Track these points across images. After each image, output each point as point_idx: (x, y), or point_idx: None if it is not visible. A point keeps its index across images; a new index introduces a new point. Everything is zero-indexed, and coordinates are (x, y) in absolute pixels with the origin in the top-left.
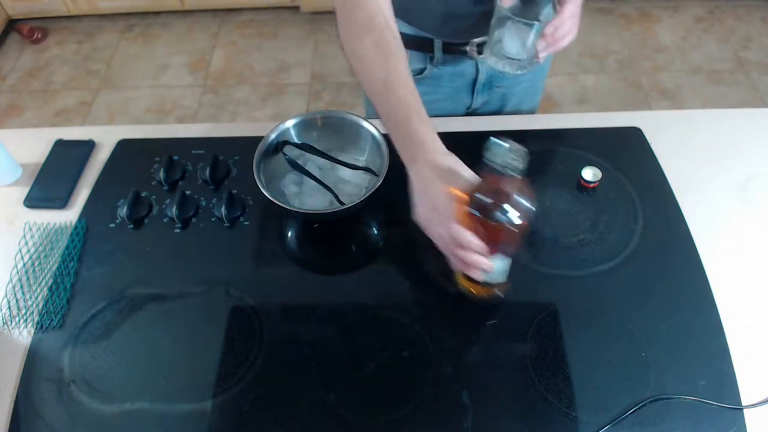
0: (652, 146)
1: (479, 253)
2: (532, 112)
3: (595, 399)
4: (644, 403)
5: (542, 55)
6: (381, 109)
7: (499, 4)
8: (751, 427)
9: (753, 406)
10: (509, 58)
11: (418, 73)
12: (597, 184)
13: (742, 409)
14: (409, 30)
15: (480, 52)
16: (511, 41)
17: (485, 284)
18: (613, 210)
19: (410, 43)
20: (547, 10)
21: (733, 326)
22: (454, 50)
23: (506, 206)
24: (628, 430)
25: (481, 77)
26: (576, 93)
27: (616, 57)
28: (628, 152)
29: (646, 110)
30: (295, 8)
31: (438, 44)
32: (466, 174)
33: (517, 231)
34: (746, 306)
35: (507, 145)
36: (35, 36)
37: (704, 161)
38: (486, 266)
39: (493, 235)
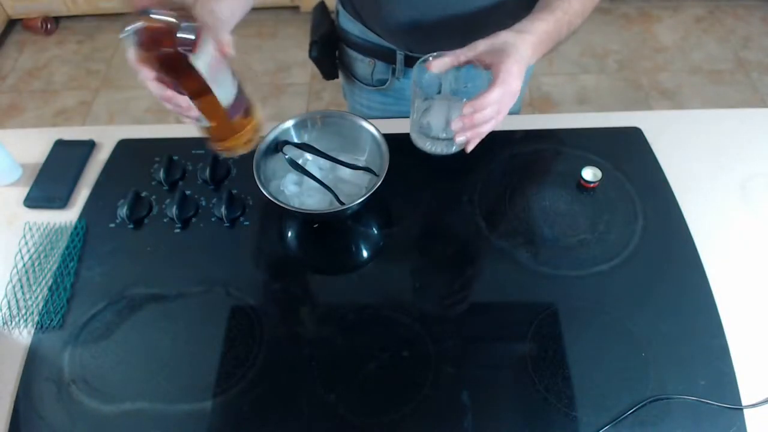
0: (652, 146)
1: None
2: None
3: (595, 399)
4: (644, 403)
5: (458, 138)
6: None
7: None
8: (751, 427)
9: (753, 406)
10: (433, 137)
11: (381, 84)
12: (597, 184)
13: (742, 409)
14: (374, 39)
15: None
16: (436, 117)
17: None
18: (613, 210)
19: (374, 52)
20: (480, 83)
21: (732, 326)
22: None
23: (169, 34)
24: (628, 429)
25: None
26: (576, 93)
27: (616, 57)
28: (628, 152)
29: (646, 110)
30: (295, 8)
31: (400, 56)
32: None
33: (186, 52)
34: (746, 305)
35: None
36: (46, 27)
37: (704, 161)
38: (183, 105)
39: (174, 70)
